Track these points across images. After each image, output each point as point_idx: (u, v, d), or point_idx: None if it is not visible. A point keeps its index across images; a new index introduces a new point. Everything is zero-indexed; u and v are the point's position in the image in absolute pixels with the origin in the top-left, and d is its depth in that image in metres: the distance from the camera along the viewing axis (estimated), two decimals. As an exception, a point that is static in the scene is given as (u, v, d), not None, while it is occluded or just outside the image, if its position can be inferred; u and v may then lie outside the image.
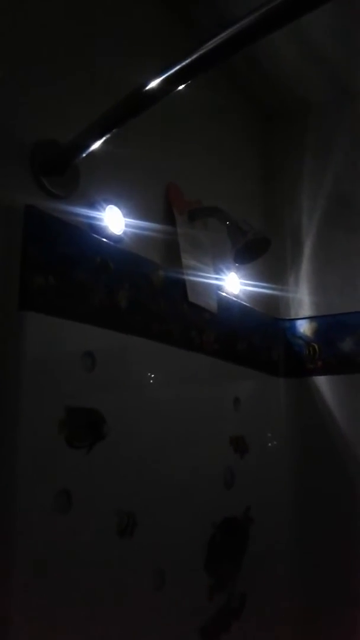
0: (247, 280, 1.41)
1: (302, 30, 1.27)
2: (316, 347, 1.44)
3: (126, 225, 1.04)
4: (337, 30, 1.29)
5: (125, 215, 1.04)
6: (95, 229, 0.99)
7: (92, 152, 0.88)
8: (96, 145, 0.86)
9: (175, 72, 0.73)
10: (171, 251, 1.16)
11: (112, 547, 0.91)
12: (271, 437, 1.40)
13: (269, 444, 1.38)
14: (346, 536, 1.31)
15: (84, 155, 0.89)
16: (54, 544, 0.82)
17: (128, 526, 0.93)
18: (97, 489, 0.89)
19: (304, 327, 1.47)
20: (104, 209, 1.00)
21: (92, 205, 0.99)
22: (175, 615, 1.01)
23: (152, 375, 1.05)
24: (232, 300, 1.34)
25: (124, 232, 1.04)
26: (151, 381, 1.04)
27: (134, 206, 1.07)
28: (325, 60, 1.39)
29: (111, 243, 1.00)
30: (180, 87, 0.76)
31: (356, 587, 1.27)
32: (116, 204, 1.02)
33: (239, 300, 1.36)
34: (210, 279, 1.24)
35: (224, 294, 1.30)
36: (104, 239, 0.99)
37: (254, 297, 1.43)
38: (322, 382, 1.41)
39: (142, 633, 0.94)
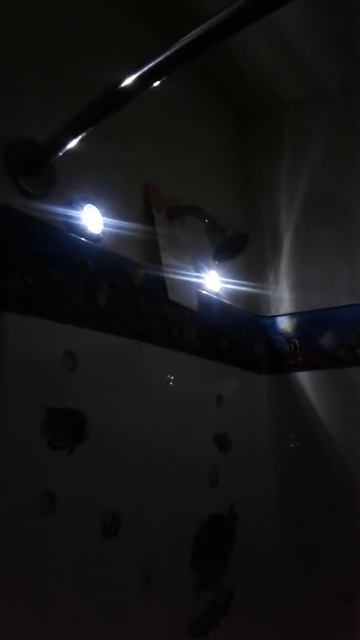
0: (227, 278, 1.41)
1: (277, 28, 1.28)
2: (297, 343, 1.45)
3: (105, 225, 1.04)
4: (311, 27, 1.30)
5: (103, 215, 1.04)
6: (73, 228, 0.98)
7: (69, 151, 0.88)
8: (72, 144, 0.86)
9: (150, 68, 0.73)
10: (150, 250, 1.16)
11: (97, 547, 0.91)
12: (254, 434, 1.40)
13: (253, 441, 1.38)
14: (332, 530, 1.31)
15: (61, 154, 0.89)
16: (38, 546, 0.81)
17: (112, 526, 0.93)
18: (80, 489, 0.89)
19: (284, 324, 1.48)
20: (82, 208, 1.00)
21: (70, 204, 0.99)
22: (162, 613, 1.01)
23: (133, 375, 1.04)
24: (213, 298, 1.34)
25: (103, 232, 1.03)
26: (132, 380, 1.04)
27: (112, 205, 1.07)
28: (299, 57, 1.40)
29: (90, 242, 1.00)
30: (156, 84, 0.76)
31: (343, 581, 1.28)
32: (94, 203, 1.02)
33: (219, 298, 1.37)
34: (190, 277, 1.24)
35: (204, 292, 1.31)
36: (83, 239, 0.98)
37: (235, 295, 1.43)
38: (304, 378, 1.42)
39: (130, 632, 0.93)
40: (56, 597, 0.82)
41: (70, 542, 0.86)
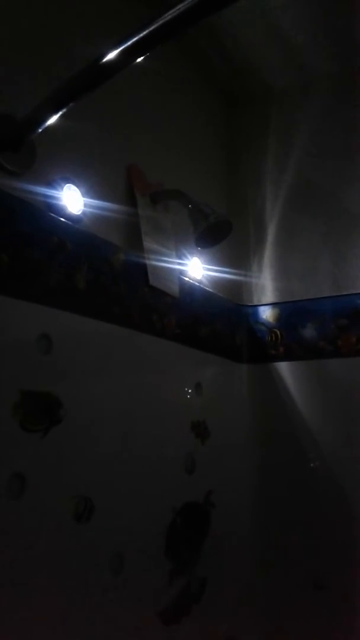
0: (210, 265, 1.40)
1: (268, 16, 1.26)
2: (278, 333, 1.44)
3: (85, 205, 1.02)
4: (301, 16, 1.28)
5: (84, 195, 1.02)
6: (52, 207, 0.96)
7: (50, 128, 0.85)
8: (52, 120, 0.83)
9: (133, 43, 0.71)
10: (132, 233, 1.14)
11: (69, 531, 0.89)
12: (233, 422, 1.39)
13: (231, 430, 1.38)
14: (307, 519, 1.32)
15: (40, 130, 0.86)
16: (6, 530, 0.80)
17: (85, 511, 0.92)
18: (52, 473, 0.87)
19: (266, 314, 1.47)
20: (62, 187, 0.97)
21: (50, 183, 0.96)
22: (134, 599, 1.00)
23: (111, 359, 1.03)
24: (195, 285, 1.33)
25: (83, 212, 1.01)
26: (110, 365, 1.02)
27: (94, 186, 1.05)
28: (289, 46, 1.38)
29: (69, 223, 0.98)
30: (139, 60, 0.74)
31: (317, 569, 1.29)
32: (75, 183, 1.00)
33: (201, 286, 1.35)
34: (172, 263, 1.23)
35: (186, 278, 1.29)
36: (62, 219, 0.96)
37: (217, 283, 1.42)
38: (284, 368, 1.42)
39: (102, 616, 0.93)
40: (26, 581, 0.81)
41: (41, 526, 0.84)
